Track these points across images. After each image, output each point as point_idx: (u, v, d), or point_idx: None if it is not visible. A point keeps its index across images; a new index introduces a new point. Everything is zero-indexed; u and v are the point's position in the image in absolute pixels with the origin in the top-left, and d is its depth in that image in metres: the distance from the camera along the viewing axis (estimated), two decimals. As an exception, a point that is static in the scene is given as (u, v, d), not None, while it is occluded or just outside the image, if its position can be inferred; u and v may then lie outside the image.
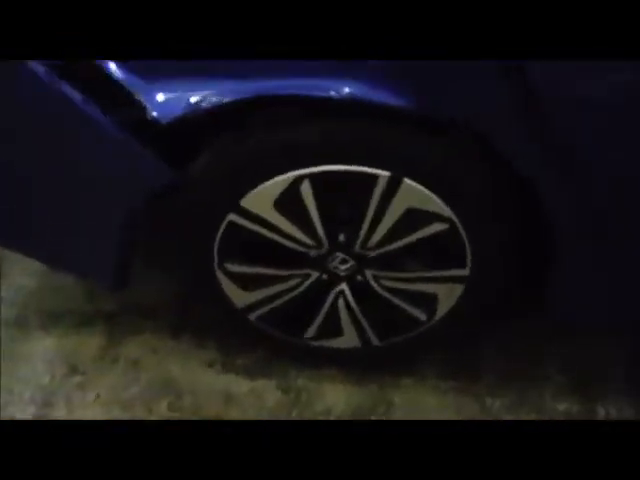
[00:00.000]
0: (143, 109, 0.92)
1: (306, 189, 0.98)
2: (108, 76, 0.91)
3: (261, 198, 1.00)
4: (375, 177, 0.96)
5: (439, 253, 1.07)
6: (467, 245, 1.03)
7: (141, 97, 0.92)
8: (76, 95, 0.92)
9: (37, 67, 0.89)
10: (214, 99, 0.89)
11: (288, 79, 0.88)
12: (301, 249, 1.06)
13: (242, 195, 1.00)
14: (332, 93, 0.87)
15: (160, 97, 0.91)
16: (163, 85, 0.91)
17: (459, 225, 1.00)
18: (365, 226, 1.02)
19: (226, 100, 0.89)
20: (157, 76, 0.91)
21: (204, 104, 0.90)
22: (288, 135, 0.95)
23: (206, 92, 0.90)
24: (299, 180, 0.97)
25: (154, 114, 0.91)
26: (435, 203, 0.98)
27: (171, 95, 0.92)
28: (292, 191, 0.98)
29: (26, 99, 0.94)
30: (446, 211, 0.99)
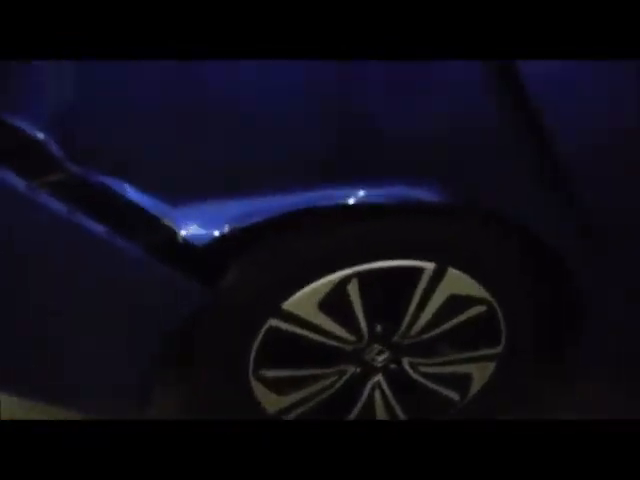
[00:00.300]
0: (172, 233, 0.86)
1: (353, 287, 0.95)
2: (128, 203, 0.85)
3: (306, 300, 0.96)
4: (421, 269, 0.96)
5: (476, 334, 1.08)
6: (502, 324, 1.05)
7: (169, 222, 0.86)
8: (94, 226, 0.85)
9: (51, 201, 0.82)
10: (253, 218, 0.86)
11: (324, 189, 0.86)
12: (341, 346, 1.03)
13: (285, 299, 0.96)
14: (373, 198, 0.87)
15: (192, 221, 0.86)
16: (192, 209, 0.86)
17: (496, 306, 1.03)
18: (408, 316, 1.01)
19: (265, 217, 0.86)
20: (183, 200, 0.86)
21: (242, 224, 0.86)
22: (331, 238, 0.93)
23: (242, 211, 0.86)
24: (347, 279, 0.95)
25: (187, 237, 0.86)
26: (475, 288, 1.00)
27: (204, 218, 0.87)
28: (339, 290, 0.96)
29: (40, 230, 0.86)
30: (485, 294, 1.01)
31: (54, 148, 0.83)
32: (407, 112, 0.83)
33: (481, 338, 1.09)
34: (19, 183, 0.82)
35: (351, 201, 0.86)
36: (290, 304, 0.96)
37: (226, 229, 0.86)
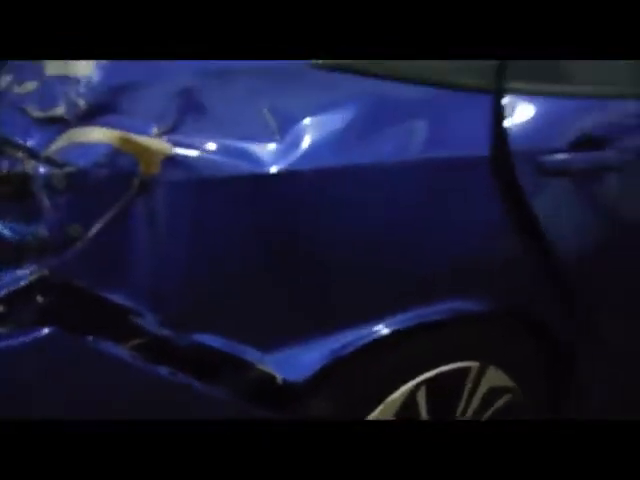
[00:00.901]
0: (272, 378, 0.93)
1: (421, 394, 1.08)
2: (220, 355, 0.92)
3: (384, 413, 1.06)
4: (469, 368, 1.12)
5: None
6: (523, 408, 1.23)
7: (264, 366, 0.93)
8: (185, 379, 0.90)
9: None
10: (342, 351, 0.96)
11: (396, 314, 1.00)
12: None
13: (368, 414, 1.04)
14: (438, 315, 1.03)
15: (289, 361, 0.93)
16: (284, 351, 0.94)
17: (520, 393, 1.21)
18: (460, 408, 1.14)
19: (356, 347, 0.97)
20: (273, 343, 0.94)
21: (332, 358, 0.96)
22: (405, 354, 1.06)
23: (331, 347, 0.95)
24: (417, 388, 1.07)
25: (285, 378, 0.93)
26: (506, 379, 1.18)
27: (300, 358, 0.94)
28: (410, 398, 1.07)
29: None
30: (512, 384, 1.19)
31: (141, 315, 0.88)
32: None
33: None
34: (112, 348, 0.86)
35: (428, 320, 1.01)
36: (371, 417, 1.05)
37: (318, 367, 0.94)
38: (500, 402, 1.19)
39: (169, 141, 0.83)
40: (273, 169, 0.85)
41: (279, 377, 0.92)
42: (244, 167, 0.84)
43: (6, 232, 0.86)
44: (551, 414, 1.29)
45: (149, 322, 0.89)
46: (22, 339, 0.83)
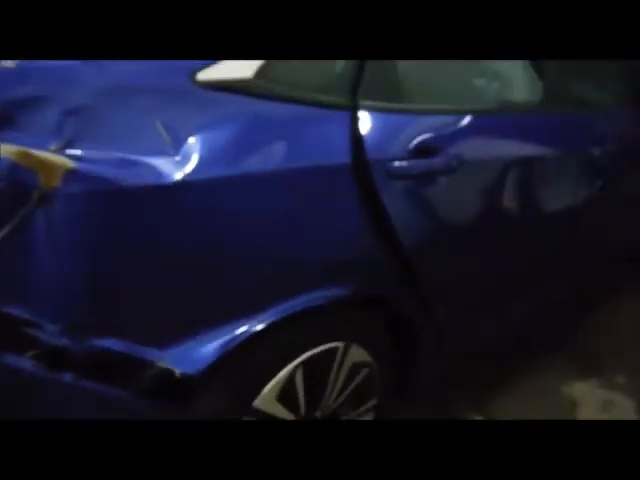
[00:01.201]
0: (171, 372, 1.00)
1: (299, 376, 1.21)
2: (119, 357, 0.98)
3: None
4: (336, 348, 1.29)
5: (362, 392, 1.42)
6: (378, 379, 1.44)
7: (163, 363, 1.00)
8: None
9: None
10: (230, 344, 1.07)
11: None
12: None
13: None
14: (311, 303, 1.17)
15: (184, 356, 1.02)
16: (179, 347, 1.02)
17: (375, 365, 1.41)
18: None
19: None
20: (168, 341, 1.01)
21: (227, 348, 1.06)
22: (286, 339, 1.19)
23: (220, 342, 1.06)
24: (295, 370, 1.20)
25: (183, 372, 1.01)
26: (364, 354, 1.37)
27: (194, 352, 1.03)
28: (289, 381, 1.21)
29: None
30: (369, 358, 1.39)
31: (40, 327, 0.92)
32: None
33: (366, 394, 1.45)
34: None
35: (299, 309, 1.15)
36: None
37: (211, 360, 1.04)
38: (360, 375, 1.38)
39: (69, 155, 0.86)
40: (171, 179, 0.92)
41: (177, 371, 1.00)
42: (144, 178, 0.91)
43: None
44: (398, 381, 1.51)
45: (48, 332, 0.91)
46: None
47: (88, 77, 0.92)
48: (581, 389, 2.04)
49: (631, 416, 1.90)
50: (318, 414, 1.31)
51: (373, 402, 1.46)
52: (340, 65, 1.20)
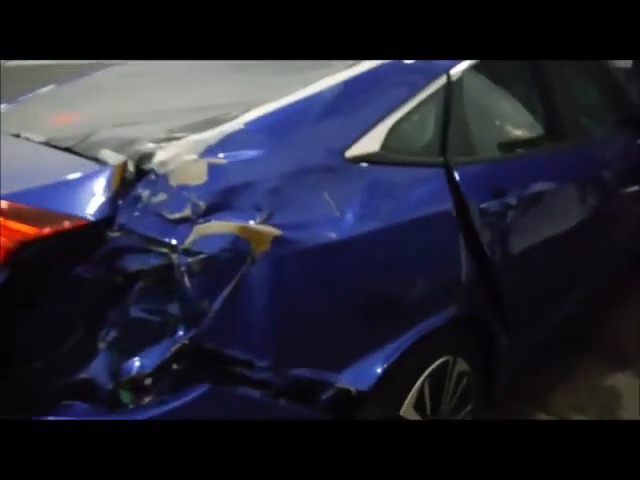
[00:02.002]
0: (348, 391, 1.25)
1: (426, 386, 1.47)
2: (308, 382, 1.22)
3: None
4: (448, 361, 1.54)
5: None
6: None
7: (341, 384, 1.24)
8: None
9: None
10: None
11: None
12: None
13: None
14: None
15: (357, 376, 1.26)
16: (352, 368, 1.27)
17: (472, 373, 1.67)
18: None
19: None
20: (343, 364, 1.25)
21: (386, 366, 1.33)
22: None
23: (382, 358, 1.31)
24: (424, 381, 1.46)
25: (358, 389, 1.25)
26: (466, 365, 1.63)
27: (364, 372, 1.28)
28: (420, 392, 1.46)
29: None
30: (468, 368, 1.64)
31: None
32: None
33: (467, 400, 1.70)
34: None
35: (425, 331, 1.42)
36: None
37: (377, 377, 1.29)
38: (463, 383, 1.63)
39: (273, 225, 1.12)
40: (344, 235, 1.19)
41: (353, 389, 1.24)
42: (328, 236, 1.17)
43: (141, 314, 1.05)
44: (490, 385, 1.77)
45: (258, 369, 1.15)
46: (173, 404, 1.03)
47: (278, 165, 1.18)
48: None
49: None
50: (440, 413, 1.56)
51: (470, 407, 1.71)
52: (430, 131, 1.50)
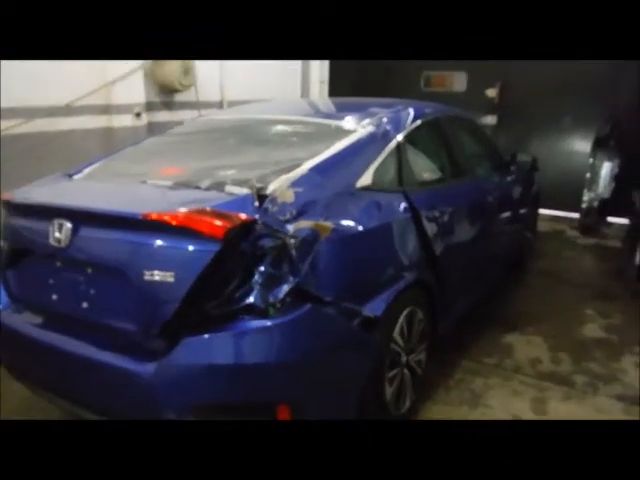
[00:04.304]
0: (371, 317, 2.26)
1: (403, 322, 2.47)
2: (348, 311, 2.22)
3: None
4: (415, 309, 2.56)
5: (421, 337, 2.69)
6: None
7: (365, 312, 2.25)
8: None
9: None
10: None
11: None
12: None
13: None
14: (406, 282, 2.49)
15: (373, 307, 2.27)
16: (370, 301, 2.28)
17: (424, 319, 2.68)
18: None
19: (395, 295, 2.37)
20: (364, 299, 2.27)
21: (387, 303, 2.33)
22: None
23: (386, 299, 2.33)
24: (404, 318, 2.46)
25: (375, 315, 2.27)
26: (421, 314, 2.64)
27: (376, 304, 2.29)
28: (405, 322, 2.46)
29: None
30: (422, 316, 2.66)
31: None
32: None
33: (423, 338, 2.70)
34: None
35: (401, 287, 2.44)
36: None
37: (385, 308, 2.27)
38: (421, 326, 2.64)
39: (329, 222, 2.09)
40: (360, 229, 2.20)
41: (372, 315, 2.21)
42: (354, 229, 2.16)
43: (270, 270, 1.96)
44: (434, 331, 2.79)
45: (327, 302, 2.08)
46: (293, 314, 1.94)
47: (326, 191, 2.17)
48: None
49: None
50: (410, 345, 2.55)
51: (424, 345, 2.72)
52: (393, 172, 2.55)
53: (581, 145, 6.23)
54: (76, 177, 2.56)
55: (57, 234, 2.06)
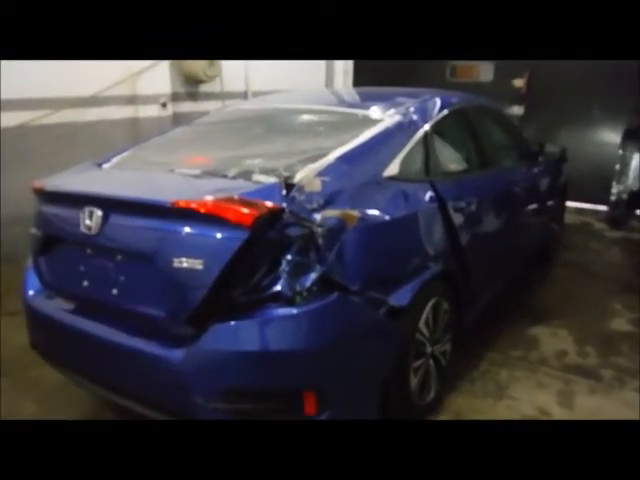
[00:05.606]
0: (396, 307, 2.25)
1: (430, 310, 2.47)
2: (373, 300, 2.22)
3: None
4: (441, 300, 2.56)
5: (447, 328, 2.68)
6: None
7: (391, 302, 2.25)
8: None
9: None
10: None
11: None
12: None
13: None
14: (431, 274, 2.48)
15: (399, 297, 2.27)
16: (396, 292, 2.28)
17: (450, 310, 2.67)
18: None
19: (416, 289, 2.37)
20: (389, 290, 2.27)
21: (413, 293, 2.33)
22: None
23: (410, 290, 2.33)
24: (431, 307, 2.46)
25: (401, 305, 2.26)
26: (446, 304, 2.63)
27: (403, 294, 2.29)
28: (431, 311, 2.46)
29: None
30: (448, 306, 2.65)
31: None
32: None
33: (448, 329, 2.69)
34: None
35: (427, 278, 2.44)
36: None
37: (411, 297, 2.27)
38: (446, 317, 2.63)
39: (356, 211, 2.09)
40: (387, 218, 2.20)
41: (397, 305, 2.21)
42: (381, 218, 2.16)
43: (297, 258, 1.97)
44: (459, 323, 2.78)
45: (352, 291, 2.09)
46: (320, 302, 1.94)
47: (353, 180, 2.17)
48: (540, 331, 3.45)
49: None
50: (435, 336, 2.54)
51: (449, 336, 2.71)
52: (419, 162, 2.54)
53: (610, 136, 6.10)
54: (105, 166, 2.59)
55: (88, 222, 2.09)
